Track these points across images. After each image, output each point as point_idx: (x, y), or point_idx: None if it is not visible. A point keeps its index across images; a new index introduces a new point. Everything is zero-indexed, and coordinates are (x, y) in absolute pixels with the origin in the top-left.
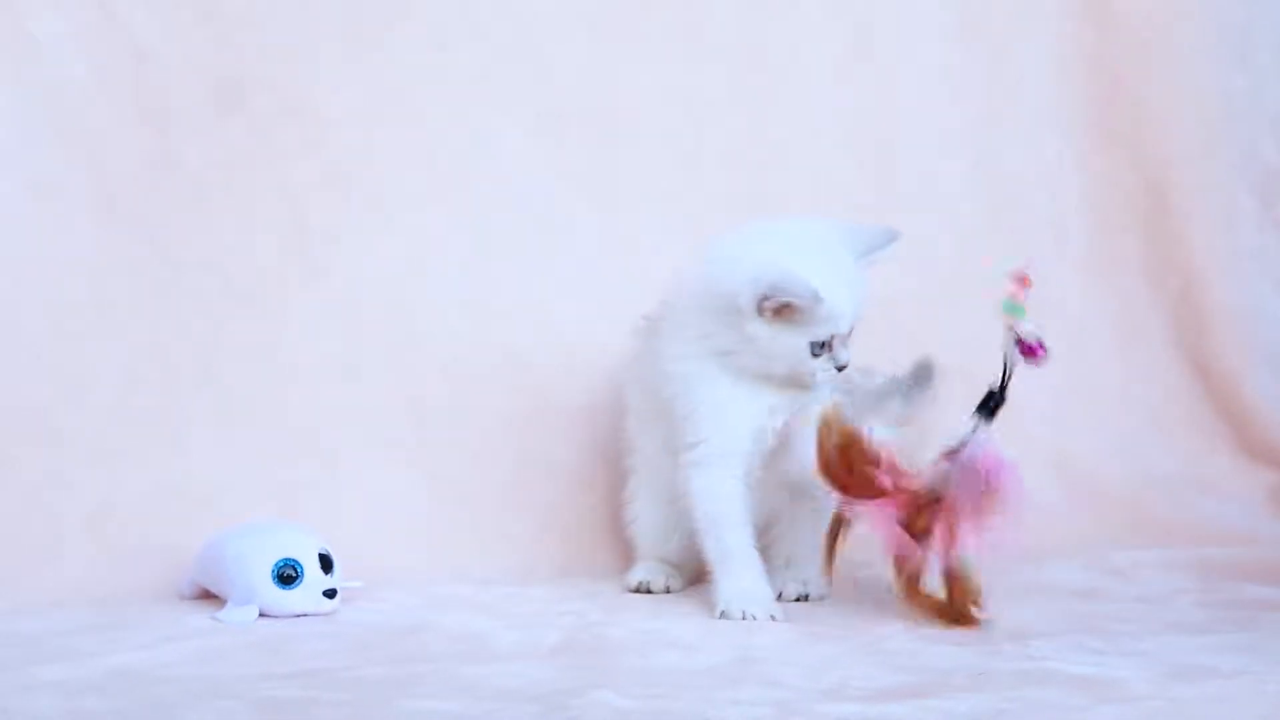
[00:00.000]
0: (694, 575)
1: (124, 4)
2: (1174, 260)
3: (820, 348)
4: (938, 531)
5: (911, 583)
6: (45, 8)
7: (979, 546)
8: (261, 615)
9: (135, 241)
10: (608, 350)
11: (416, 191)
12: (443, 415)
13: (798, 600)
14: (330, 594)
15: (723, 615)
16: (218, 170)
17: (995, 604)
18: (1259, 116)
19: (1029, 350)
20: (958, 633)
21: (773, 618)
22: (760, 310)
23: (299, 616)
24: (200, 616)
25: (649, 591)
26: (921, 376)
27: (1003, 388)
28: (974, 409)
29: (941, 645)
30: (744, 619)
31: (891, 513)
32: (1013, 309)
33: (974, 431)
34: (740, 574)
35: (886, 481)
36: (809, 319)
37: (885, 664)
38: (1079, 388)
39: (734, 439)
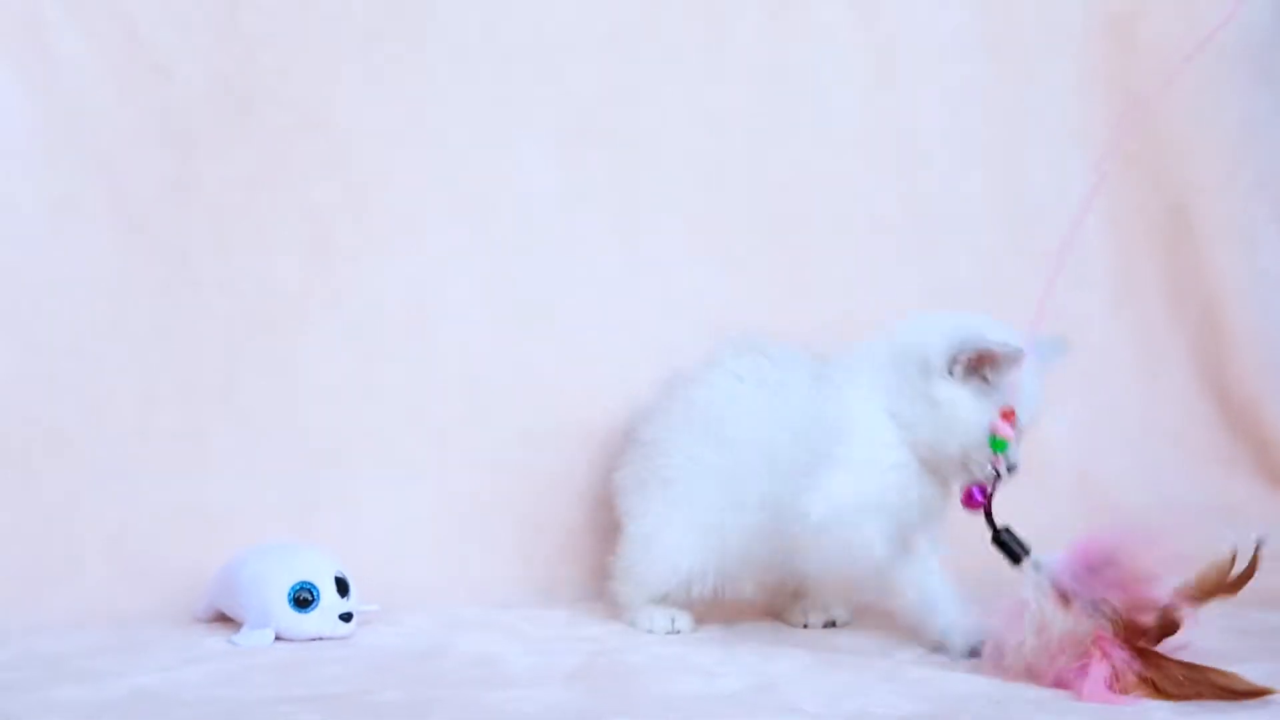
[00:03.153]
0: (700, 614)
1: (147, 23)
2: (1195, 284)
3: None
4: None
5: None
6: (68, 26)
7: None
8: (277, 639)
9: (155, 261)
10: (628, 371)
11: (437, 212)
12: (462, 437)
13: (825, 627)
14: (346, 617)
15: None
16: (238, 190)
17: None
18: None
19: (969, 496)
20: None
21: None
22: (952, 366)
23: (315, 640)
24: (217, 639)
25: (678, 633)
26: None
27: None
28: (1017, 565)
29: (960, 673)
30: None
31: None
32: (998, 445)
33: (1042, 570)
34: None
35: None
36: (1000, 385)
37: (904, 691)
38: (1100, 412)
39: (885, 496)
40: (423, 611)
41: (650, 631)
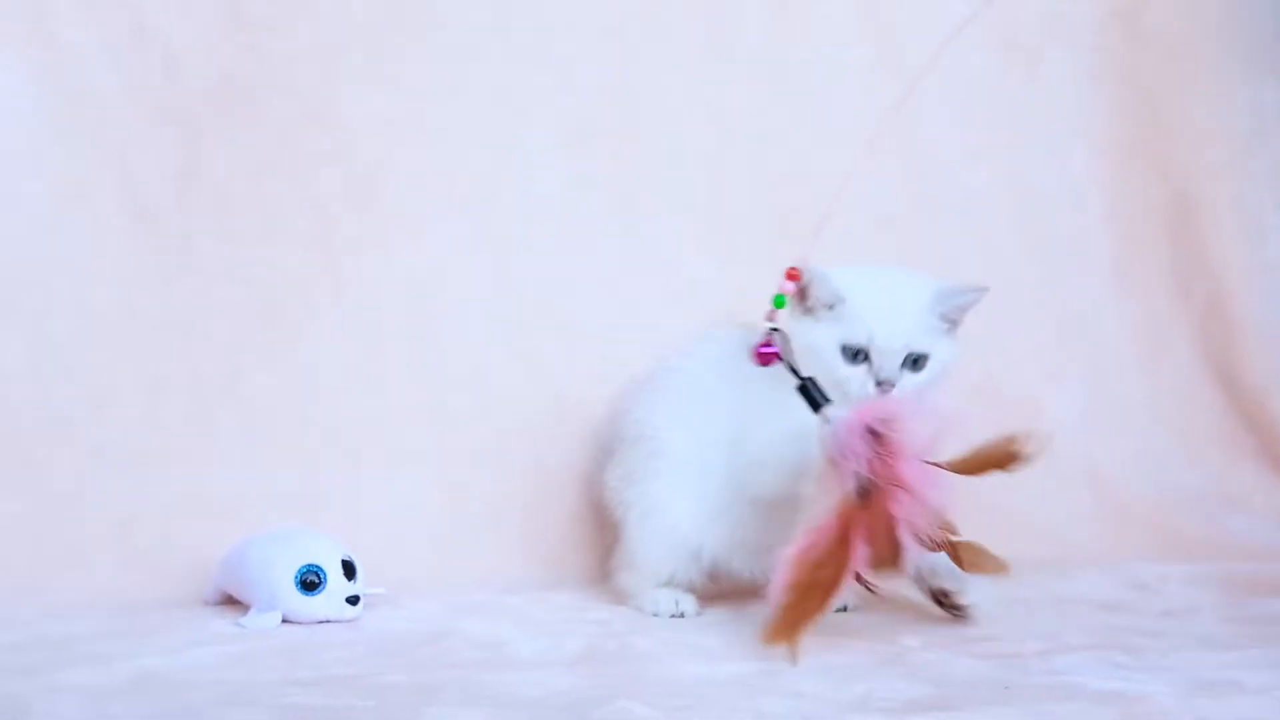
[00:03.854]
0: (705, 598)
1: (155, 14)
2: (1201, 273)
3: (854, 356)
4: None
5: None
6: (77, 16)
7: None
8: (285, 621)
9: (162, 250)
10: (631, 363)
11: (440, 202)
12: (465, 424)
13: (837, 612)
14: (353, 600)
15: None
16: (244, 180)
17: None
18: None
19: (759, 354)
20: (975, 643)
21: None
22: (792, 297)
23: (322, 623)
24: (224, 622)
25: (682, 616)
26: None
27: (798, 376)
28: (817, 412)
29: (965, 658)
30: None
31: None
32: (779, 301)
33: (830, 422)
34: None
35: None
36: (830, 311)
37: (909, 676)
38: (1105, 401)
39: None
40: (429, 595)
41: (655, 615)
